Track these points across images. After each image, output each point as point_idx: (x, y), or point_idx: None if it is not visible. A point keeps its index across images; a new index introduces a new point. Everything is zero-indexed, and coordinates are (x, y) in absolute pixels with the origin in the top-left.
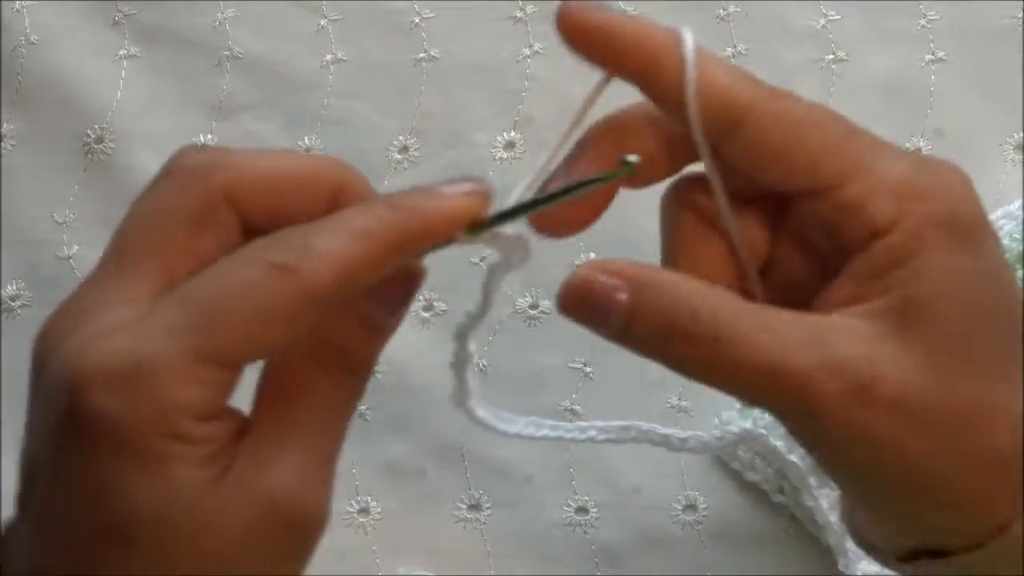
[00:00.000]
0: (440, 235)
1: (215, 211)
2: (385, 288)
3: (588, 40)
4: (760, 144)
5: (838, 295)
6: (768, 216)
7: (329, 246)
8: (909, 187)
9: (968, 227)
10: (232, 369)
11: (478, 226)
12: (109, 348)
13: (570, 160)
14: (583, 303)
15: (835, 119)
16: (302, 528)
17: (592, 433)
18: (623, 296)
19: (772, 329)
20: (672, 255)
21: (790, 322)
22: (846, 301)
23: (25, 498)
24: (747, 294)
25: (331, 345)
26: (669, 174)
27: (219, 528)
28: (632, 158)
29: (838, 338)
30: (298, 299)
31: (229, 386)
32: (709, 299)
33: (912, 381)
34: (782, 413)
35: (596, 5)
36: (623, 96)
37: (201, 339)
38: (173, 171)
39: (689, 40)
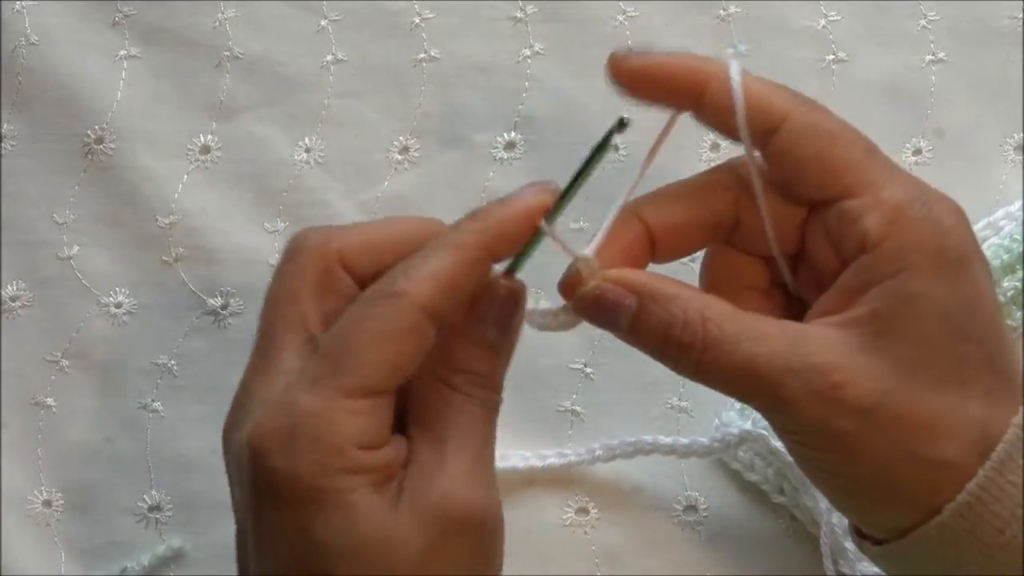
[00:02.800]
0: (519, 233)
1: (334, 276)
2: (495, 312)
3: (640, 81)
4: (791, 150)
5: (825, 305)
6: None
7: (429, 266)
8: (903, 213)
9: (951, 259)
10: (381, 395)
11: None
12: (270, 414)
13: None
14: (596, 309)
15: (860, 138)
16: (475, 528)
17: (599, 453)
18: (630, 304)
19: (753, 336)
20: (709, 260)
21: (770, 329)
22: (830, 311)
23: (240, 569)
24: (779, 293)
25: (460, 370)
26: (691, 251)
27: (405, 546)
28: (626, 116)
29: (811, 347)
30: (414, 316)
31: (385, 412)
32: (701, 309)
33: (878, 387)
34: (760, 408)
35: (638, 52)
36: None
37: (344, 378)
38: (293, 253)
39: (731, 61)
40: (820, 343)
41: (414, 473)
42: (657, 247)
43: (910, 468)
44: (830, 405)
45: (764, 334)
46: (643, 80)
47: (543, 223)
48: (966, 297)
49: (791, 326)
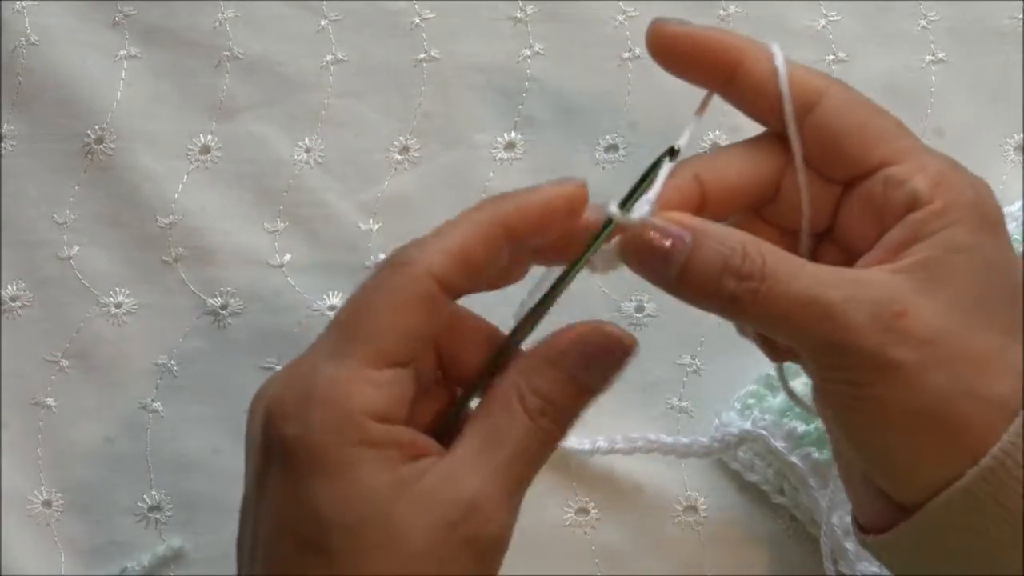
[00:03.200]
0: (540, 214)
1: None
2: (601, 356)
3: (677, 50)
4: (832, 122)
5: (871, 260)
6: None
7: (440, 238)
8: (946, 176)
9: (992, 219)
10: (398, 367)
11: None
12: (290, 383)
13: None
14: (649, 247)
15: (891, 115)
16: (482, 544)
17: (599, 445)
18: (684, 241)
19: (812, 272)
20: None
21: (828, 269)
22: (878, 263)
23: (240, 533)
24: None
25: (539, 393)
26: (734, 212)
27: (405, 533)
28: (678, 144)
29: (870, 283)
30: (426, 284)
31: (402, 388)
32: (759, 244)
33: (936, 323)
34: (815, 346)
35: (677, 20)
36: None
37: (360, 347)
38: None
39: (773, 46)
40: (878, 281)
41: (446, 466)
42: (707, 205)
43: (967, 404)
44: (891, 333)
45: (822, 271)
46: (679, 49)
47: (615, 209)
48: (1005, 256)
49: (845, 269)
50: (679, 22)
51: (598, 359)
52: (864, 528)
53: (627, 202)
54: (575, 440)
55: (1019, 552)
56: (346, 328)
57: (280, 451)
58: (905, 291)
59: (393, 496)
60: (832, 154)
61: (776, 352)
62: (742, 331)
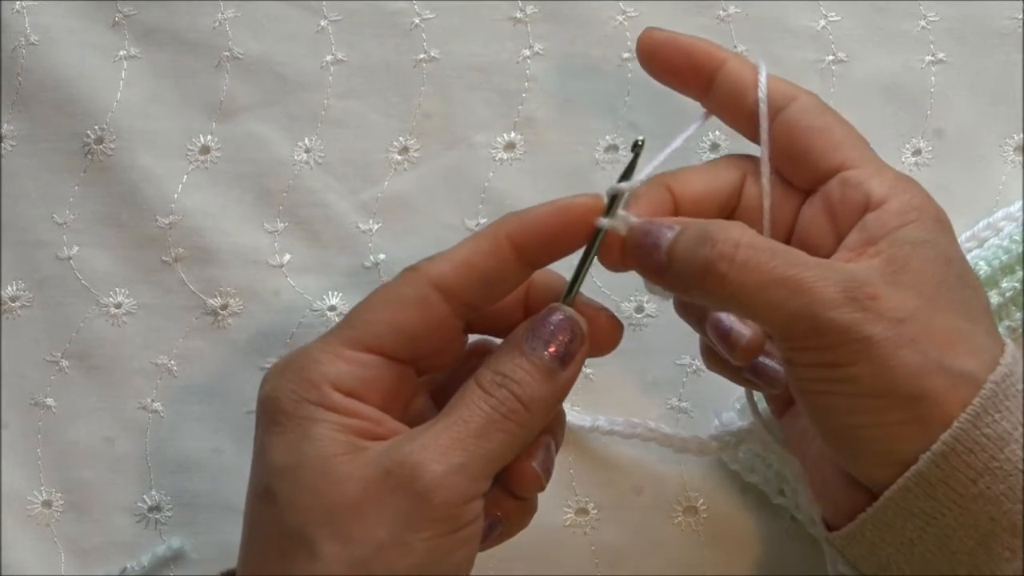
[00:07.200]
0: (541, 227)
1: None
2: (547, 332)
3: (663, 55)
4: (799, 121)
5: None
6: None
7: (449, 251)
8: (900, 181)
9: (943, 220)
10: (378, 354)
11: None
12: (281, 359)
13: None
14: (644, 236)
15: (854, 128)
16: (420, 496)
17: (601, 423)
18: (670, 232)
19: (786, 252)
20: None
21: (801, 252)
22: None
23: None
24: None
25: (491, 367)
26: None
27: (340, 480)
28: (640, 139)
29: (842, 267)
30: (422, 287)
31: (377, 373)
32: (732, 229)
33: (906, 304)
34: (789, 322)
35: (666, 31)
36: None
37: (346, 331)
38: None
39: (759, 60)
40: (848, 267)
41: (399, 437)
42: (678, 212)
43: (939, 378)
44: (866, 311)
45: (795, 251)
46: (666, 55)
47: (602, 220)
48: (958, 252)
49: (817, 258)
50: (665, 30)
51: (542, 330)
52: (830, 527)
53: (611, 209)
54: (576, 416)
55: (968, 534)
56: (345, 317)
57: (259, 411)
58: (874, 278)
59: (339, 450)
60: (796, 154)
61: (739, 377)
62: (709, 364)
